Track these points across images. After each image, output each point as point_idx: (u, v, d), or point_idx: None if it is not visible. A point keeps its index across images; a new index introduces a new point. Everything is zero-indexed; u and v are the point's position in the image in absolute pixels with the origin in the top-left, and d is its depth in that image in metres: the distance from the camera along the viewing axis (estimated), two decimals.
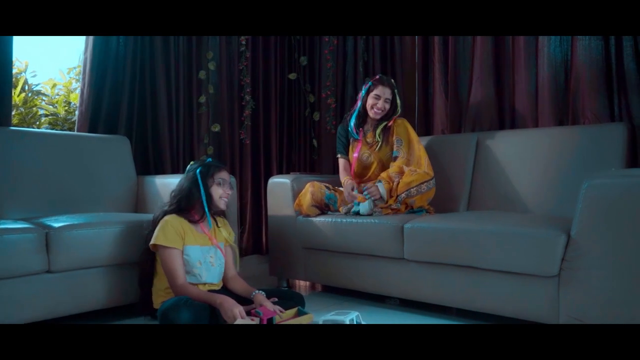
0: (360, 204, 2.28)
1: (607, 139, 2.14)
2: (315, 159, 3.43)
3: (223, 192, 1.96)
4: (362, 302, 2.26)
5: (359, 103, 2.54)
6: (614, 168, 1.97)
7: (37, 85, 2.92)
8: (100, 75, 2.62)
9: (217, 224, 2.00)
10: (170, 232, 1.84)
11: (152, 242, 1.86)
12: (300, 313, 1.78)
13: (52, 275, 1.82)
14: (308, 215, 2.40)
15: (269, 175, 3.16)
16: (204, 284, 1.90)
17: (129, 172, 2.61)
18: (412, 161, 2.36)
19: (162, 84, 2.81)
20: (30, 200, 2.23)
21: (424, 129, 2.93)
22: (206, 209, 1.93)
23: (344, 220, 2.27)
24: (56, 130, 2.83)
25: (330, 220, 2.32)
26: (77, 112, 2.64)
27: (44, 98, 2.94)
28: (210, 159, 2.03)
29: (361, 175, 2.53)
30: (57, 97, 2.96)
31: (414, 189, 2.26)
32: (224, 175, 1.98)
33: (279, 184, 2.59)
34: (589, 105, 2.31)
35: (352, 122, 2.55)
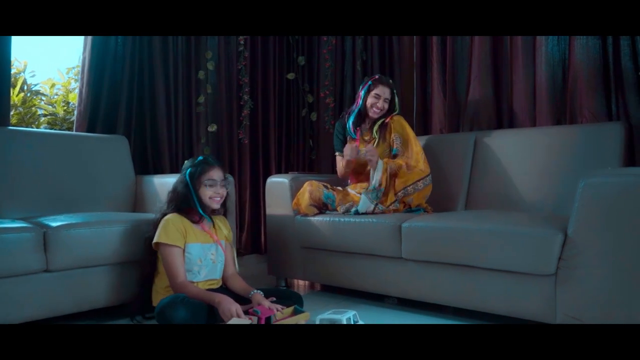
0: (360, 201, 2.28)
1: (604, 138, 2.14)
2: (314, 159, 3.44)
3: (213, 192, 1.93)
4: (360, 302, 2.27)
5: (359, 102, 2.54)
6: (610, 167, 1.97)
7: (36, 85, 2.92)
8: (98, 75, 2.62)
9: (213, 223, 2.00)
10: (172, 230, 1.85)
11: (154, 240, 1.87)
12: (297, 312, 1.79)
13: (50, 274, 1.82)
14: (306, 215, 2.41)
15: (267, 175, 3.16)
16: (205, 280, 1.91)
17: (127, 172, 2.61)
18: (410, 158, 2.37)
19: (160, 83, 2.82)
20: (28, 199, 2.23)
21: (422, 128, 2.94)
22: (200, 210, 1.92)
23: (342, 220, 2.27)
24: (55, 130, 2.83)
25: (328, 219, 2.32)
26: (75, 112, 2.65)
27: (42, 98, 2.94)
28: (201, 157, 1.98)
29: (358, 172, 2.53)
30: (55, 97, 2.97)
31: (410, 186, 2.27)
32: (213, 175, 1.94)
33: (278, 183, 2.60)
34: (586, 105, 2.32)
35: (351, 121, 2.55)
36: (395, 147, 2.43)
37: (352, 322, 1.64)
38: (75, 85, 2.94)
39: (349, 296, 2.37)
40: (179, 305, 1.67)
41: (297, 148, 3.51)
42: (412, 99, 2.99)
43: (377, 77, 2.52)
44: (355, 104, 2.57)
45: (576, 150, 2.20)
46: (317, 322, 1.64)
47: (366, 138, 2.54)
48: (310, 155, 3.47)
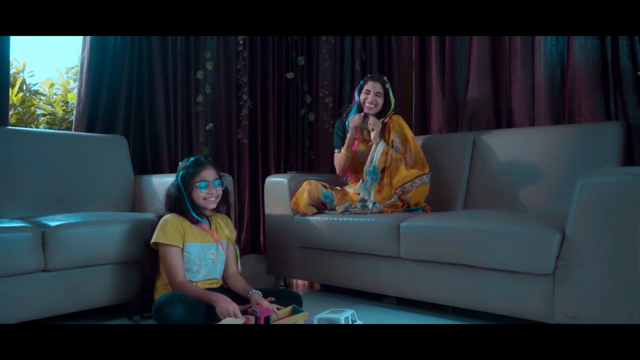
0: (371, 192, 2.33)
1: (603, 138, 2.15)
2: (313, 159, 3.44)
3: (206, 193, 1.91)
4: (359, 301, 2.27)
5: (356, 100, 2.57)
6: (609, 167, 1.98)
7: (34, 85, 2.92)
8: (97, 75, 2.62)
9: (213, 223, 2.00)
10: (170, 230, 1.85)
11: (152, 240, 1.87)
12: (295, 311, 1.79)
13: (49, 274, 1.83)
14: (305, 214, 2.41)
15: (266, 174, 3.16)
16: (205, 280, 1.91)
17: (126, 172, 2.61)
18: (410, 157, 2.37)
19: (159, 83, 2.82)
20: (27, 199, 2.23)
21: (421, 128, 2.94)
22: (192, 213, 1.90)
23: (341, 219, 2.27)
24: (54, 129, 2.83)
25: (327, 219, 2.32)
26: (74, 112, 2.65)
27: (41, 98, 2.95)
28: (193, 158, 1.96)
29: (357, 170, 2.53)
30: (54, 96, 2.97)
31: (408, 184, 2.28)
32: (205, 175, 1.91)
33: (276, 183, 2.60)
34: (585, 104, 2.32)
35: (350, 119, 2.57)
36: (395, 145, 2.43)
37: (350, 321, 1.65)
38: (74, 85, 2.94)
39: (348, 296, 2.37)
40: (176, 303, 1.67)
41: (296, 148, 3.52)
42: (411, 99, 2.99)
43: (368, 75, 2.57)
44: (353, 101, 2.61)
45: (575, 150, 2.20)
46: (315, 322, 1.64)
47: (365, 137, 2.55)
48: (309, 155, 3.47)
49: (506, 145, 2.43)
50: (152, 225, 1.92)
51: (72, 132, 2.61)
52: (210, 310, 1.71)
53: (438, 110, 2.85)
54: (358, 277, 2.25)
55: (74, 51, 2.94)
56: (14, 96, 2.76)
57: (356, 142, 2.54)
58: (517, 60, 2.54)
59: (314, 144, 3.44)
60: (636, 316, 1.52)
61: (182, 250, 1.87)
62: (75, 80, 2.92)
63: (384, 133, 2.48)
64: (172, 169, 2.82)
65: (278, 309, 1.76)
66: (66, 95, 2.96)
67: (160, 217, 1.92)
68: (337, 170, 2.61)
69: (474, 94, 2.68)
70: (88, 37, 2.59)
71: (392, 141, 2.43)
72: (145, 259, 1.95)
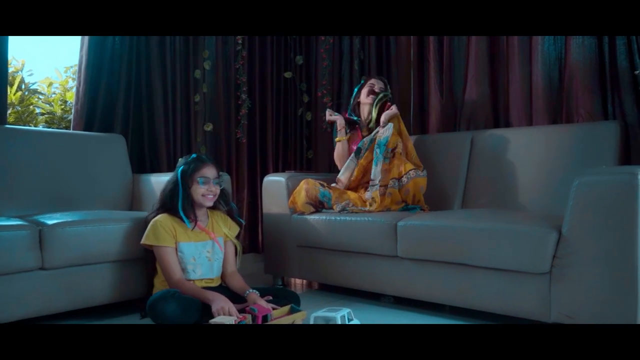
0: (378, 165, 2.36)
1: (600, 137, 2.15)
2: (311, 158, 3.45)
3: (205, 190, 1.92)
4: (357, 300, 2.27)
5: (352, 97, 2.64)
6: (605, 166, 1.98)
7: (33, 84, 2.93)
8: (95, 74, 2.63)
9: (192, 223, 1.96)
10: (160, 231, 1.85)
11: (142, 241, 1.88)
12: (293, 310, 1.79)
13: (46, 272, 1.83)
14: (302, 213, 2.41)
15: (265, 174, 3.16)
16: (201, 279, 1.91)
17: (124, 170, 2.62)
18: (403, 153, 2.39)
19: (158, 82, 2.82)
20: (26, 198, 2.23)
21: (419, 128, 2.95)
22: (180, 210, 1.89)
23: (338, 218, 2.27)
24: (52, 128, 2.84)
25: (324, 218, 2.33)
26: (73, 111, 2.65)
27: (40, 97, 2.95)
28: (194, 155, 1.97)
29: (356, 186, 2.54)
30: (53, 95, 2.97)
31: (404, 177, 2.29)
32: (206, 172, 1.92)
33: (274, 182, 2.60)
34: (582, 104, 2.32)
35: (349, 115, 2.63)
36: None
37: (347, 320, 1.65)
38: (72, 84, 2.94)
39: (346, 295, 2.37)
40: (170, 299, 1.67)
41: (294, 147, 3.52)
42: (409, 99, 2.99)
43: (369, 75, 2.64)
44: (352, 101, 2.65)
45: (572, 149, 2.20)
46: (311, 320, 1.65)
47: (364, 134, 2.57)
48: (307, 155, 3.48)
49: (504, 145, 2.43)
50: (147, 223, 1.92)
51: (71, 131, 2.61)
52: (205, 309, 1.71)
53: (436, 109, 2.86)
54: (355, 276, 2.25)
55: (72, 50, 2.94)
56: (13, 95, 2.77)
57: (359, 137, 2.56)
58: (514, 60, 2.54)
59: (312, 143, 3.45)
60: (632, 315, 1.52)
61: (176, 249, 1.87)
62: (73, 79, 2.92)
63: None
64: (171, 168, 2.81)
65: (274, 309, 1.76)
66: (65, 94, 2.97)
67: (157, 213, 1.92)
68: (339, 166, 2.60)
69: (472, 94, 2.68)
70: (86, 37, 2.59)
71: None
72: (147, 254, 1.96)
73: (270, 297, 1.86)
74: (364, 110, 2.61)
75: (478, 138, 2.53)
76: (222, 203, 2.03)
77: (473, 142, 2.54)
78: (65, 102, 2.96)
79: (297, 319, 1.76)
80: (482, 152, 2.49)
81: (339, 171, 2.59)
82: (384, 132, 2.38)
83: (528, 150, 2.33)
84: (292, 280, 2.82)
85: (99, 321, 1.96)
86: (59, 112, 2.93)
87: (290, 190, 2.50)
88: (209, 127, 3.08)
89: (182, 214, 1.89)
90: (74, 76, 2.86)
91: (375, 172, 2.34)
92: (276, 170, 3.42)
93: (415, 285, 2.05)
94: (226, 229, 2.02)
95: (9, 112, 2.61)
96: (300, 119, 3.49)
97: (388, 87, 2.58)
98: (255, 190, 3.32)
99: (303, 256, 2.47)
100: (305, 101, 3.47)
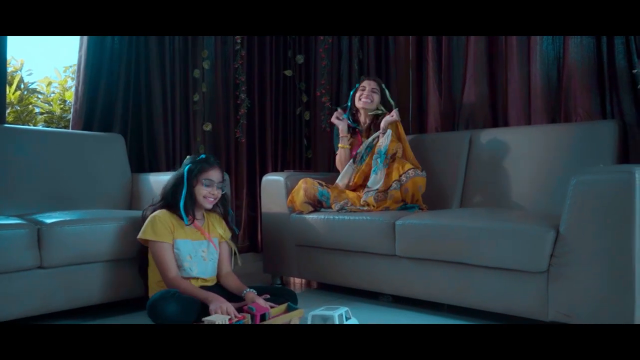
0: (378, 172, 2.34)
1: (598, 136, 2.15)
2: (310, 157, 3.45)
3: (208, 192, 1.93)
4: (355, 299, 2.27)
5: (348, 101, 2.62)
6: (603, 164, 1.98)
7: (32, 83, 2.93)
8: (95, 73, 2.63)
9: (190, 221, 1.98)
10: (158, 226, 1.85)
11: (139, 235, 1.87)
12: (290, 309, 1.79)
13: (44, 270, 1.83)
14: (301, 212, 2.41)
15: (264, 173, 3.16)
16: (196, 278, 1.90)
17: (123, 170, 2.62)
18: (403, 157, 2.39)
19: (157, 81, 2.82)
20: (25, 197, 2.24)
21: (418, 127, 2.95)
22: (181, 207, 1.89)
23: (337, 217, 2.28)
24: (51, 128, 2.84)
25: (322, 217, 2.33)
26: (72, 110, 2.65)
27: (39, 96, 2.95)
28: (203, 156, 1.99)
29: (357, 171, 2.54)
30: (52, 95, 2.98)
31: (403, 176, 2.29)
32: (212, 175, 1.93)
33: (273, 181, 2.60)
34: (581, 103, 2.32)
35: (349, 119, 2.60)
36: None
37: (344, 319, 1.65)
38: (71, 84, 2.95)
39: (345, 294, 2.37)
40: (170, 299, 1.67)
41: (293, 146, 3.52)
42: (408, 98, 3.00)
43: (363, 76, 2.61)
44: (346, 109, 2.63)
45: (571, 148, 2.20)
46: (309, 319, 1.65)
47: (364, 139, 2.56)
48: (306, 154, 3.48)
49: (502, 144, 2.43)
50: (143, 218, 1.92)
51: (70, 130, 2.61)
52: (204, 309, 1.71)
53: (435, 109, 2.86)
54: (354, 275, 2.25)
55: (71, 50, 2.95)
56: (12, 94, 2.77)
57: (359, 143, 2.56)
58: (513, 60, 2.55)
59: (311, 142, 3.45)
60: (630, 313, 1.52)
61: (172, 246, 1.87)
62: (73, 78, 2.93)
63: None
64: (169, 167, 2.83)
65: (272, 307, 1.76)
66: (64, 94, 2.97)
67: (154, 209, 1.93)
68: (340, 170, 2.60)
69: (471, 93, 2.69)
70: (86, 36, 2.60)
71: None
72: (140, 251, 1.96)
73: (268, 296, 1.86)
74: (362, 115, 2.59)
75: (477, 137, 2.53)
76: (220, 206, 2.04)
77: (472, 142, 2.54)
78: (65, 101, 2.97)
79: (294, 317, 1.76)
80: (480, 152, 2.49)
81: (337, 171, 2.60)
82: (384, 141, 2.37)
83: (526, 149, 2.33)
84: (291, 279, 2.82)
85: (98, 320, 1.97)
86: (58, 111, 2.93)
87: (289, 190, 2.50)
88: (208, 127, 3.09)
89: (182, 210, 1.89)
90: (73, 76, 2.86)
91: (374, 179, 2.34)
92: (275, 169, 3.43)
93: (413, 284, 2.05)
94: (221, 230, 2.03)
95: (7, 111, 2.61)
96: (299, 118, 3.50)
97: (382, 85, 2.56)
98: (254, 190, 3.32)
99: (302, 255, 2.47)
100: (305, 101, 3.47)
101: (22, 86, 2.88)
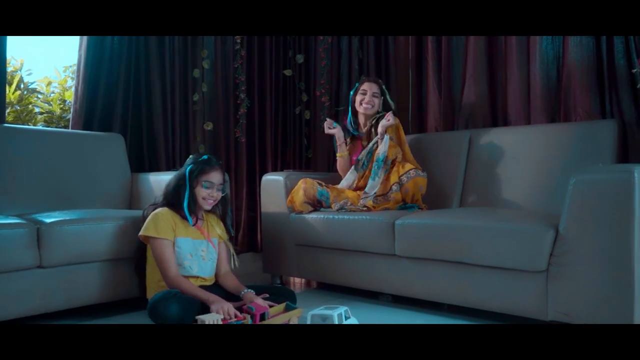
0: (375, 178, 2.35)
1: (598, 136, 2.15)
2: (310, 157, 3.45)
3: (207, 194, 1.92)
4: (355, 299, 2.27)
5: (348, 104, 2.60)
6: (602, 164, 1.98)
7: (32, 83, 2.93)
8: (94, 73, 2.63)
9: (206, 220, 1.99)
10: (161, 223, 1.85)
11: (141, 232, 1.87)
12: (288, 308, 1.79)
13: (44, 270, 1.83)
14: (300, 212, 2.41)
15: (264, 173, 3.16)
16: (196, 277, 1.91)
17: (123, 170, 2.62)
18: (402, 160, 2.39)
19: (156, 81, 2.82)
20: (25, 197, 2.24)
21: (418, 127, 2.95)
22: (185, 209, 1.90)
23: (336, 217, 2.28)
24: (51, 127, 2.84)
25: (322, 216, 2.33)
26: (71, 110, 2.66)
27: (39, 96, 2.95)
28: (205, 157, 1.98)
29: (361, 176, 2.53)
30: (52, 95, 2.98)
31: (404, 176, 2.28)
32: (212, 177, 1.93)
33: (272, 181, 2.60)
34: (580, 102, 2.32)
35: (349, 124, 2.59)
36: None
37: (344, 318, 1.65)
38: (71, 84, 2.95)
39: (344, 294, 2.37)
40: (172, 300, 1.67)
41: (293, 146, 3.52)
42: (408, 98, 3.00)
43: (363, 77, 2.58)
44: (346, 109, 2.62)
45: (570, 147, 2.20)
46: (309, 318, 1.65)
47: (364, 143, 2.56)
48: (306, 154, 3.48)
49: (502, 144, 2.43)
50: (144, 217, 1.92)
51: (70, 130, 2.61)
52: (204, 309, 1.71)
53: (434, 108, 2.86)
54: (354, 275, 2.25)
55: (71, 50, 2.95)
56: (12, 94, 2.77)
57: (359, 148, 2.56)
58: (513, 59, 2.55)
59: (310, 142, 3.45)
60: (629, 312, 1.52)
61: (173, 244, 1.87)
62: (72, 78, 2.93)
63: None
64: (169, 167, 2.83)
65: (270, 307, 1.76)
66: (64, 94, 2.97)
67: (153, 206, 1.93)
68: (342, 177, 2.61)
69: (470, 93, 2.69)
70: (85, 36, 2.60)
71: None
72: (138, 249, 1.97)
73: (267, 295, 1.86)
74: (361, 120, 2.59)
75: (476, 137, 2.53)
76: (219, 207, 2.04)
77: (471, 141, 2.54)
78: (64, 101, 2.97)
79: (293, 316, 1.76)
80: (480, 151, 2.49)
81: (337, 170, 2.61)
82: (382, 147, 2.37)
83: (526, 149, 2.33)
84: (291, 279, 2.82)
85: (97, 319, 1.97)
86: (57, 111, 2.93)
87: (289, 189, 2.50)
88: (208, 127, 3.09)
89: (186, 211, 1.90)
90: (73, 75, 2.86)
91: (372, 185, 2.34)
92: (275, 169, 3.43)
93: (413, 283, 2.05)
94: (220, 231, 2.03)
95: (7, 111, 2.61)
96: (299, 117, 3.50)
97: (383, 87, 2.55)
98: (254, 190, 3.32)
99: (301, 255, 2.47)
100: (305, 100, 3.47)
101: (22, 86, 2.88)
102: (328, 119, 2.61)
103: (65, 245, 1.85)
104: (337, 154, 2.60)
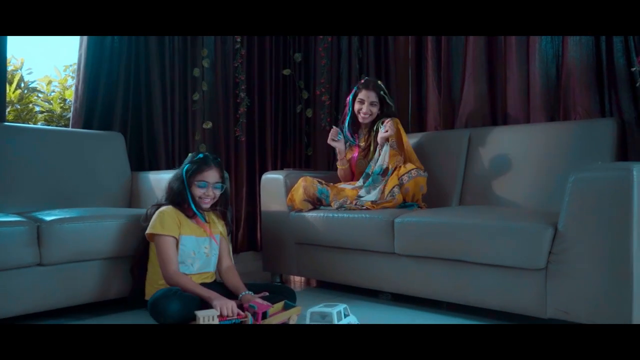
0: (371, 192, 2.35)
1: (597, 134, 2.15)
2: (310, 155, 3.45)
3: (203, 193, 1.93)
4: (355, 297, 2.27)
5: (348, 108, 2.59)
6: (601, 162, 1.98)
7: (32, 82, 2.93)
8: (94, 72, 2.63)
9: (207, 218, 2.00)
10: (167, 221, 1.87)
11: (148, 230, 1.88)
12: (287, 306, 1.79)
13: (44, 268, 1.84)
14: (300, 210, 2.42)
15: (264, 171, 3.17)
16: (199, 273, 1.92)
17: (123, 168, 2.63)
18: (403, 157, 2.39)
19: (156, 80, 2.83)
20: (25, 195, 2.25)
21: (418, 126, 2.95)
22: (192, 207, 1.92)
23: (336, 215, 2.28)
24: (51, 126, 2.85)
25: (322, 215, 2.33)
26: (72, 109, 2.66)
27: (39, 95, 2.96)
28: (201, 155, 1.98)
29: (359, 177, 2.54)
30: (52, 94, 2.98)
31: (405, 175, 2.28)
32: (207, 176, 1.93)
33: (272, 179, 2.60)
34: (579, 101, 2.33)
35: (346, 129, 2.58)
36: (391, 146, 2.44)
37: (343, 315, 1.65)
38: (71, 83, 2.95)
39: (344, 292, 2.37)
40: (173, 297, 1.68)
41: (293, 145, 3.53)
42: (407, 97, 3.00)
43: (363, 81, 2.55)
44: (345, 110, 2.61)
45: (570, 146, 2.21)
46: (308, 315, 1.65)
47: (362, 144, 2.56)
48: (306, 152, 3.49)
49: (501, 142, 2.43)
50: (147, 217, 1.93)
51: (70, 128, 2.62)
52: (204, 306, 1.71)
53: (434, 107, 2.86)
54: (353, 273, 2.26)
55: (72, 49, 2.95)
56: (12, 93, 2.77)
57: (357, 149, 2.56)
58: (512, 58, 2.55)
59: (311, 141, 3.45)
60: (628, 310, 1.52)
61: (178, 242, 1.88)
62: (73, 77, 2.93)
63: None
64: (169, 166, 2.83)
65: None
66: (64, 93, 2.98)
67: (156, 206, 1.93)
68: (341, 180, 2.62)
69: (470, 92, 2.69)
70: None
71: (390, 146, 2.43)
72: (140, 248, 1.97)
73: (267, 294, 1.86)
74: (363, 127, 2.59)
75: (476, 136, 2.53)
76: (220, 204, 2.04)
77: (471, 140, 2.54)
78: (65, 100, 2.97)
79: (293, 314, 1.77)
80: (479, 150, 2.49)
81: (337, 168, 2.63)
82: (380, 160, 2.37)
83: (525, 147, 2.34)
84: (291, 277, 2.82)
85: (97, 318, 1.97)
86: (58, 110, 2.93)
87: (289, 188, 2.51)
88: (208, 125, 3.09)
89: (196, 212, 1.92)
90: (73, 74, 2.87)
91: (366, 198, 2.33)
92: (275, 168, 3.43)
93: (412, 281, 2.06)
94: (221, 227, 2.04)
95: (8, 110, 2.62)
96: (299, 116, 3.50)
97: (382, 92, 2.50)
98: (254, 189, 3.32)
99: (301, 253, 2.47)
100: (305, 98, 3.47)
101: (22, 85, 2.88)
102: (334, 128, 2.59)
103: (65, 243, 1.86)
104: (338, 166, 2.61)
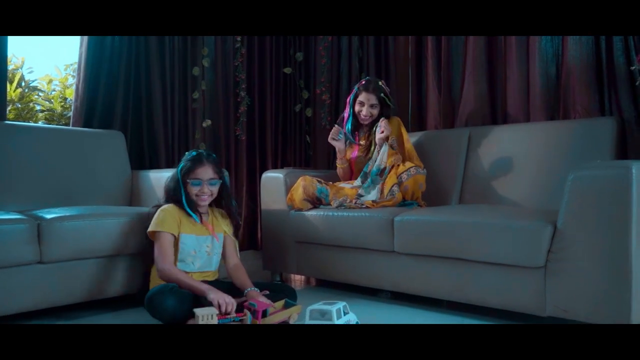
0: (370, 192, 2.35)
1: (597, 133, 2.16)
2: (310, 154, 3.46)
3: (198, 190, 1.93)
4: (354, 296, 2.27)
5: (348, 109, 2.58)
6: (600, 160, 1.98)
7: (33, 81, 2.94)
8: (95, 71, 2.64)
9: (199, 217, 1.98)
10: (167, 219, 1.87)
11: (149, 229, 1.89)
12: (287, 305, 1.80)
13: (44, 265, 1.84)
14: (300, 209, 2.42)
15: (264, 170, 3.17)
16: (200, 272, 1.92)
17: (123, 167, 2.63)
18: (404, 156, 2.39)
19: (157, 79, 2.83)
20: (26, 193, 2.25)
21: (418, 125, 2.95)
22: (185, 206, 1.92)
23: (336, 214, 2.28)
24: (52, 125, 2.85)
25: (322, 214, 2.33)
26: (72, 108, 2.67)
27: (40, 94, 2.96)
28: (194, 153, 1.98)
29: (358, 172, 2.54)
30: (53, 93, 2.99)
31: (404, 173, 2.28)
32: (199, 174, 1.92)
33: (272, 178, 2.61)
34: (579, 100, 2.33)
35: (348, 127, 2.58)
36: (391, 145, 2.44)
37: (342, 313, 1.65)
38: (72, 82, 2.96)
39: (344, 290, 2.37)
40: (168, 293, 1.69)
41: (293, 144, 3.53)
42: (407, 96, 3.00)
43: (363, 82, 2.54)
44: (346, 111, 2.61)
45: (569, 145, 2.21)
46: (307, 313, 1.65)
47: (362, 142, 2.56)
48: (307, 151, 3.49)
49: (501, 141, 2.43)
50: (151, 215, 1.93)
51: (70, 127, 2.62)
52: (197, 300, 1.71)
53: (434, 106, 2.86)
54: (353, 272, 2.26)
55: (72, 48, 2.97)
56: (13, 92, 2.78)
57: (355, 149, 2.56)
58: (512, 57, 2.55)
59: (311, 139, 3.46)
60: (626, 308, 1.52)
61: (178, 240, 1.88)
62: (73, 76, 2.94)
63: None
64: (169, 164, 2.84)
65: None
66: (64, 92, 2.99)
67: (158, 207, 1.94)
68: (341, 179, 2.62)
69: (470, 91, 2.69)
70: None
71: (391, 145, 2.43)
72: (146, 250, 1.97)
73: (268, 292, 1.87)
74: (363, 127, 2.59)
75: (475, 135, 2.54)
76: (223, 200, 2.04)
77: (470, 139, 2.55)
78: (65, 99, 2.98)
79: (293, 313, 1.77)
80: (479, 149, 2.49)
81: (337, 167, 2.63)
82: (378, 160, 2.37)
83: (525, 146, 2.34)
84: (291, 276, 2.82)
85: (97, 315, 1.98)
86: (58, 109, 2.94)
87: (289, 187, 2.51)
88: (207, 124, 3.09)
89: (187, 208, 1.91)
90: (74, 74, 2.87)
91: (366, 198, 2.34)
92: (275, 167, 3.43)
93: (412, 280, 2.06)
94: (225, 226, 2.03)
95: (8, 108, 2.62)
96: (299, 116, 3.50)
97: (383, 94, 2.49)
98: (255, 188, 3.33)
99: (301, 252, 2.48)
100: (305, 97, 3.47)
101: (23, 84, 2.89)
102: (336, 126, 2.59)
103: (65, 241, 1.86)
104: (338, 165, 2.61)
